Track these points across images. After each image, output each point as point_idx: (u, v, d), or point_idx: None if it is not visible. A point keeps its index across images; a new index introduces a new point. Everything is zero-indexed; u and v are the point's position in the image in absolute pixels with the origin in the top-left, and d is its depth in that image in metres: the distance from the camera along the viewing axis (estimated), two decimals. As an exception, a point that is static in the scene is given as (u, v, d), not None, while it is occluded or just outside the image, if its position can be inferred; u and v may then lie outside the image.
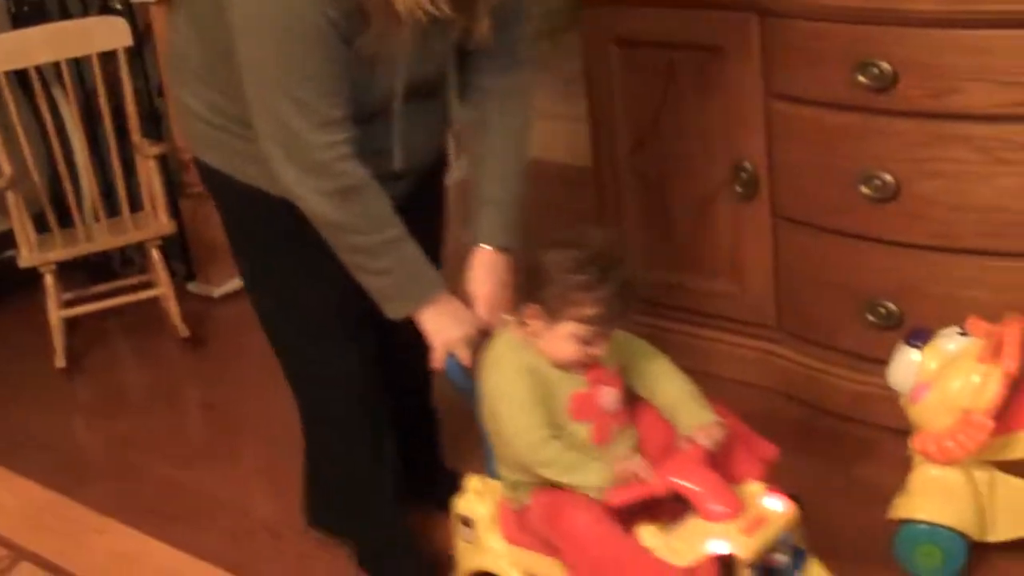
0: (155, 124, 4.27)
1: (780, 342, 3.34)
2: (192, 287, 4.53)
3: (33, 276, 4.12)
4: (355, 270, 2.48)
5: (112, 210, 4.28)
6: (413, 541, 2.88)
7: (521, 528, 2.49)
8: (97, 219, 4.27)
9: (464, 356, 2.50)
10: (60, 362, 4.11)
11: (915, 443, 2.57)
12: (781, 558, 2.31)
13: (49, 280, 4.07)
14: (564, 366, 2.39)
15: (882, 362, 2.70)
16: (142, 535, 3.14)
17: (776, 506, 2.33)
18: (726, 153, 3.25)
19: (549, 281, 2.33)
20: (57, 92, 4.30)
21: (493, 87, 2.59)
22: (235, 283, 4.34)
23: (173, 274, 4.32)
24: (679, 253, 3.47)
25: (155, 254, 4.18)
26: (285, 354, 2.78)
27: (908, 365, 2.61)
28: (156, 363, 4.17)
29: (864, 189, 2.94)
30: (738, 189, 3.24)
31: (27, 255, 4.05)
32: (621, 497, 2.29)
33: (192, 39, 2.54)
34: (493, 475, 2.56)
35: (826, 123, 2.98)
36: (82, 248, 4.13)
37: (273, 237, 2.62)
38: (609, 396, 2.43)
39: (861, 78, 2.85)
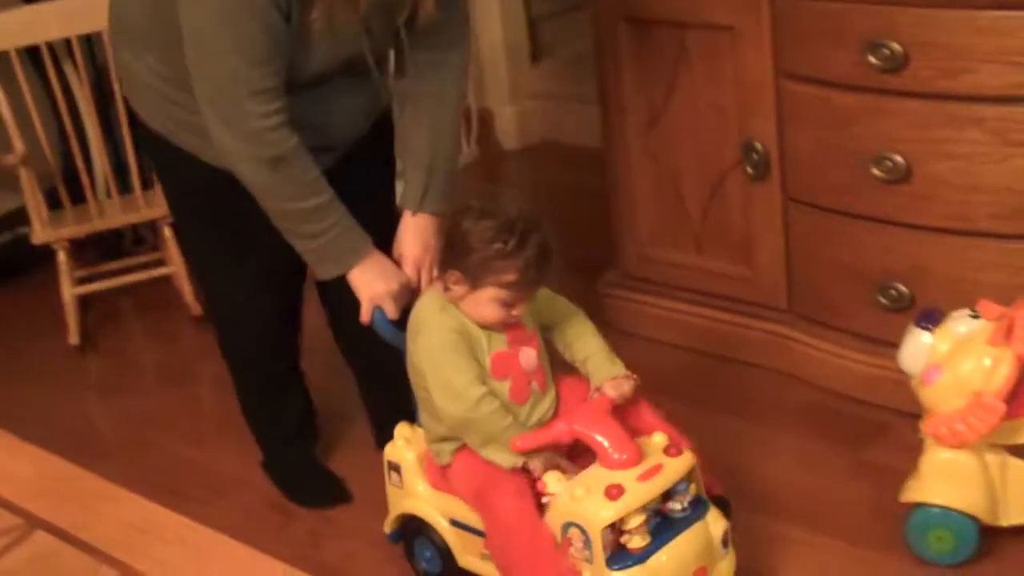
0: (167, 101, 4.27)
1: (791, 324, 3.32)
2: (204, 264, 4.53)
3: (46, 254, 4.13)
4: (286, 233, 2.61)
5: (124, 187, 4.28)
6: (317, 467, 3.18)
7: (444, 476, 2.58)
8: (109, 196, 4.28)
9: (390, 310, 2.62)
10: (73, 339, 4.12)
11: (926, 426, 2.56)
12: (676, 507, 2.39)
13: (62, 257, 4.08)
14: (487, 327, 2.47)
15: (893, 344, 2.68)
16: (156, 506, 3.17)
17: (675, 456, 2.40)
18: (737, 134, 3.24)
19: (470, 250, 2.40)
20: (68, 69, 4.30)
21: (435, 62, 2.69)
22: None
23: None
24: (690, 234, 3.47)
25: (167, 232, 4.17)
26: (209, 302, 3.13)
27: (919, 347, 2.59)
28: (169, 341, 4.19)
29: (875, 170, 2.93)
30: (749, 170, 3.23)
31: (40, 231, 4.05)
32: (527, 443, 2.39)
33: (138, 4, 2.64)
34: (422, 424, 2.64)
35: (837, 104, 2.97)
36: (95, 225, 4.14)
37: (206, 201, 2.78)
38: (528, 356, 2.52)
39: (872, 58, 2.84)
